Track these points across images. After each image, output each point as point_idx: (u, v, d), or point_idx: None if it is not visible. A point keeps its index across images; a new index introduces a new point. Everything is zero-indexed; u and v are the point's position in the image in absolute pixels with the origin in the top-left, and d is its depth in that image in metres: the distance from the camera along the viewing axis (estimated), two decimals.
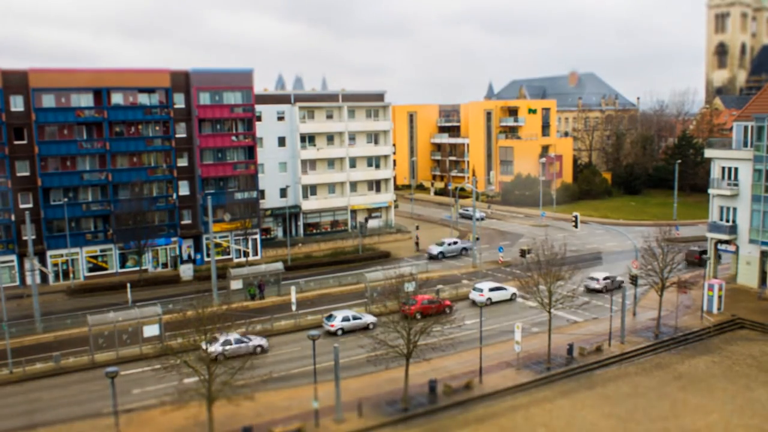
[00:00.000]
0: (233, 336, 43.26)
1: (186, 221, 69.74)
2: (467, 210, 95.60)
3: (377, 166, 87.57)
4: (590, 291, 57.13)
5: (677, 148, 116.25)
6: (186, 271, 64.83)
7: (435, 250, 72.53)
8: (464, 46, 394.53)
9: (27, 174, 62.15)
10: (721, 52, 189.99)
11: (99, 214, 65.34)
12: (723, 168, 56.94)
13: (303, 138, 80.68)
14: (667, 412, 34.90)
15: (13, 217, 60.74)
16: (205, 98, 68.80)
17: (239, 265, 64.13)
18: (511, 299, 55.58)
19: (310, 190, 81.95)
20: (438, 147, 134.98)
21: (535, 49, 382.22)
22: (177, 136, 68.13)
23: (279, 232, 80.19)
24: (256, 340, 44.75)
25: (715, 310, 49.98)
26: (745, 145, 54.95)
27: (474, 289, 55.79)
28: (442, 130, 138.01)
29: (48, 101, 62.56)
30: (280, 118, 79.20)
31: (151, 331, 45.18)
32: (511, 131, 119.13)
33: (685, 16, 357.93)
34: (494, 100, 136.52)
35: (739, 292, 54.71)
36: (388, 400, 36.20)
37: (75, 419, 35.22)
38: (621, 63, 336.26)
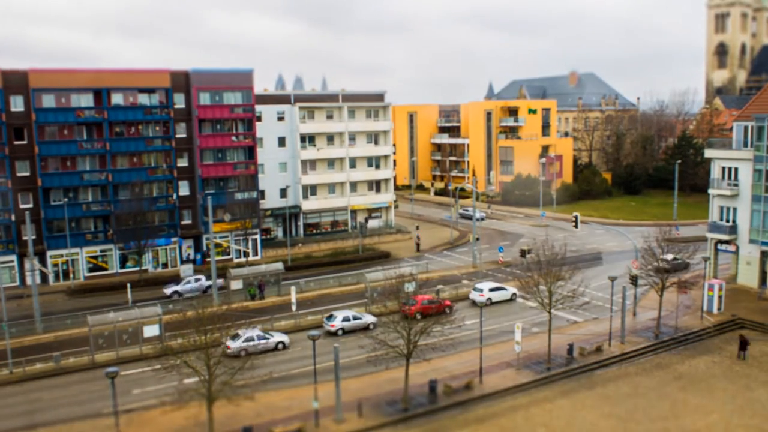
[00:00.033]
0: (255, 332, 43.37)
1: (186, 221, 69.79)
2: (467, 210, 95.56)
3: (377, 167, 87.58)
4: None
5: (677, 148, 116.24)
6: (186, 271, 64.73)
7: (169, 290, 59.35)
8: (464, 46, 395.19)
9: (27, 174, 62.17)
10: (721, 52, 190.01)
11: (99, 214, 65.37)
12: (723, 168, 56.95)
13: (303, 138, 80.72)
14: (667, 412, 34.91)
15: (13, 217, 60.76)
16: (205, 98, 68.83)
17: (239, 266, 64.12)
18: (512, 299, 55.58)
19: (310, 190, 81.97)
20: (438, 147, 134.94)
21: (535, 49, 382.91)
22: (177, 136, 68.17)
23: (279, 233, 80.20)
24: (278, 336, 44.96)
25: (715, 310, 49.99)
26: (745, 145, 54.95)
27: (474, 289, 55.80)
28: (442, 130, 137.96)
29: (48, 101, 62.59)
30: (280, 119, 79.22)
31: (151, 331, 45.18)
32: (511, 131, 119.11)
33: (685, 16, 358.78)
34: (494, 100, 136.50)
35: (739, 292, 54.72)
36: (388, 401, 36.21)
37: (75, 419, 35.24)
38: (621, 63, 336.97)
